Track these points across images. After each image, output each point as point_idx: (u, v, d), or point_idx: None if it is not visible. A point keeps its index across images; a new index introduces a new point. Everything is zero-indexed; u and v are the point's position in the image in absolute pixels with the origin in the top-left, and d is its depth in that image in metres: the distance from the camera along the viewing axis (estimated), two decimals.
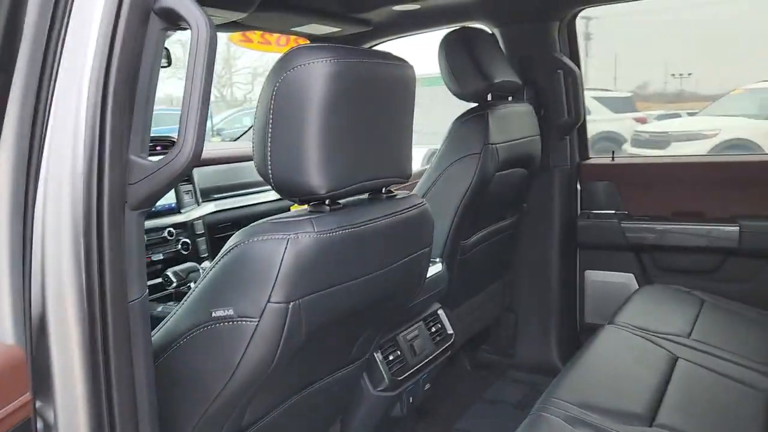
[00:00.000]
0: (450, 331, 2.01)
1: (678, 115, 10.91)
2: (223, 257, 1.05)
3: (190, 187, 2.20)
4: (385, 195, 1.28)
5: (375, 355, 1.67)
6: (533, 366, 2.58)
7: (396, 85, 1.21)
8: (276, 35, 2.76)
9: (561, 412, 1.34)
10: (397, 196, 1.31)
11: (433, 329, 1.95)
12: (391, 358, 1.73)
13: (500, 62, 2.13)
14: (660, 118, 10.65)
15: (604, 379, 1.52)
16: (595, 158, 2.61)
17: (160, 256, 1.99)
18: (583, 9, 2.39)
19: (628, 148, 9.28)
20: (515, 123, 2.17)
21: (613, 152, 2.56)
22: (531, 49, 2.43)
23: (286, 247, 1.01)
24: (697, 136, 8.56)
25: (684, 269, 2.35)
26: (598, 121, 10.04)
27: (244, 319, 1.02)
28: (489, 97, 2.11)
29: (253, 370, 1.04)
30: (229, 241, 1.07)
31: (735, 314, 2.01)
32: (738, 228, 2.21)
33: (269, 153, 1.06)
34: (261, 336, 1.02)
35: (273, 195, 2.71)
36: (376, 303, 1.29)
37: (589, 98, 10.23)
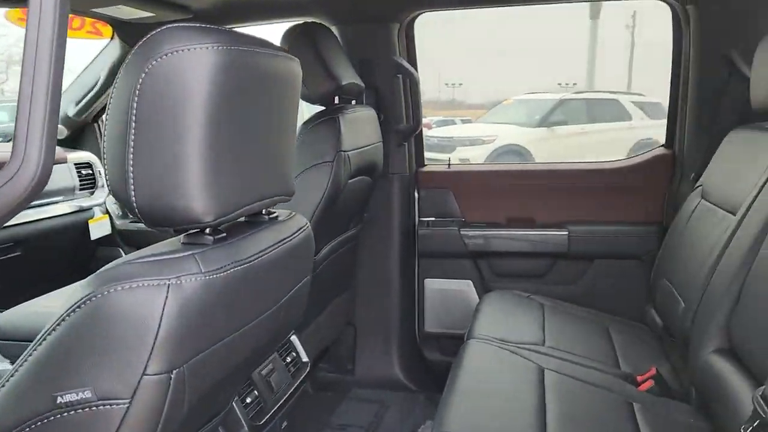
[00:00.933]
0: (305, 358, 1.81)
1: (453, 122, 11.82)
2: (68, 316, 0.74)
3: None
4: (267, 217, 1.05)
5: (233, 402, 1.41)
6: (376, 381, 2.48)
7: (284, 82, 1.00)
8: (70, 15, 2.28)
9: None
10: (280, 218, 1.09)
11: (288, 359, 1.73)
12: (248, 400, 1.47)
13: (345, 63, 1.98)
14: (439, 123, 11.43)
15: (487, 402, 1.45)
16: (432, 165, 2.59)
17: None
18: (423, 12, 2.34)
19: None
20: (363, 129, 2.04)
21: (449, 159, 2.56)
22: (370, 51, 2.32)
23: (166, 297, 0.75)
24: (477, 141, 9.31)
25: (519, 274, 2.42)
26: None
27: (108, 402, 0.73)
28: (336, 100, 1.95)
29: None
30: (74, 291, 0.76)
31: (571, 316, 2.10)
32: (567, 233, 2.33)
33: (130, 170, 0.78)
34: (134, 421, 0.73)
35: (66, 207, 2.25)
36: (265, 346, 1.06)
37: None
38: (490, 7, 2.36)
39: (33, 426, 0.73)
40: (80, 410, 0.72)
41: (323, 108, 1.93)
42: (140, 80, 0.77)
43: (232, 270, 0.84)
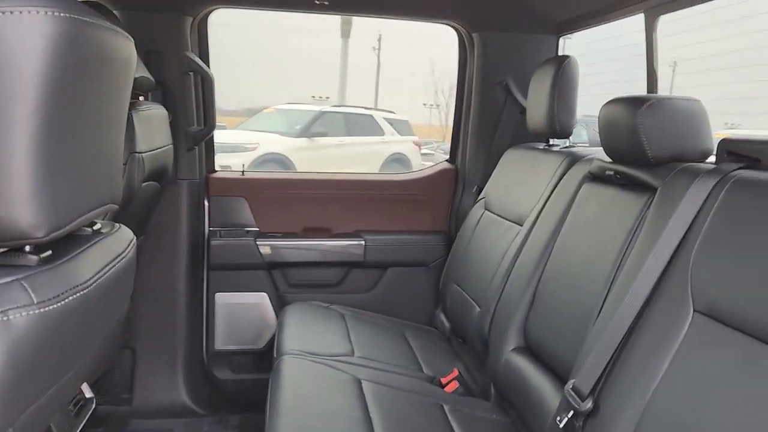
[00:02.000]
0: (89, 394, 1.54)
1: None
2: None
3: None
4: (91, 229, 0.86)
5: None
6: (159, 408, 2.23)
7: (121, 65, 0.83)
8: None
9: None
10: (103, 230, 0.90)
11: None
12: None
13: None
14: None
15: (315, 421, 1.39)
16: (224, 172, 2.44)
17: None
18: (217, 9, 2.18)
19: None
20: (156, 129, 1.83)
21: (243, 166, 2.43)
22: (159, 43, 2.09)
23: None
24: (239, 148, 9.11)
25: (315, 284, 2.39)
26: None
27: None
28: None
29: None
30: None
31: (371, 324, 2.14)
32: (363, 242, 2.37)
33: None
34: None
35: None
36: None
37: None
38: (284, 10, 2.31)
39: None
40: None
41: None
42: None
43: (70, 298, 0.66)
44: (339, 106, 11.76)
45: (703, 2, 1.63)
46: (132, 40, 0.86)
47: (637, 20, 1.87)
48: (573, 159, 1.78)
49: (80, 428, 1.43)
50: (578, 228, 1.58)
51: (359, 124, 10.44)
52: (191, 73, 2.15)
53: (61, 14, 0.63)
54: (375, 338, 2.01)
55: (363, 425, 1.40)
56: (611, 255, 1.38)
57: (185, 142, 2.19)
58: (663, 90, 1.89)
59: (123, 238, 0.91)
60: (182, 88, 2.14)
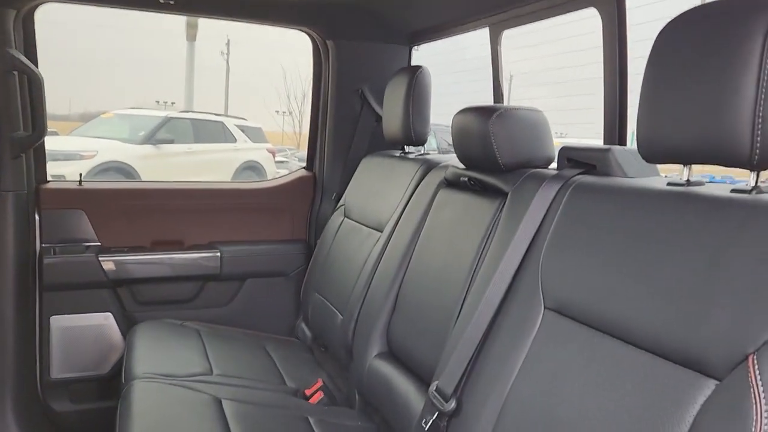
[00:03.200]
0: None
1: None
2: None
3: None
4: None
5: None
6: None
7: None
8: None
9: None
10: None
11: None
12: None
13: None
14: None
15: None
16: (58, 182, 2.21)
17: None
18: (45, 3, 1.98)
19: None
20: None
21: (80, 175, 2.22)
22: None
23: None
24: (74, 156, 8.40)
25: (166, 301, 2.24)
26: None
27: None
28: None
29: None
30: None
31: (229, 339, 2.05)
32: (219, 254, 2.26)
33: None
34: None
35: None
36: None
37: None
38: (122, 8, 2.14)
39: None
40: None
41: None
42: None
43: None
44: (187, 111, 11.26)
45: (541, 20, 1.76)
46: None
47: (483, 34, 1.98)
48: (429, 166, 1.83)
49: None
50: (436, 232, 1.62)
51: (209, 131, 10.07)
52: (15, 73, 1.93)
53: None
54: (234, 354, 1.93)
55: None
56: (468, 258, 1.43)
57: (10, 150, 1.96)
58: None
59: None
60: (5, 88, 1.91)
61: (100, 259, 2.11)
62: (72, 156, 8.45)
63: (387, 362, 1.61)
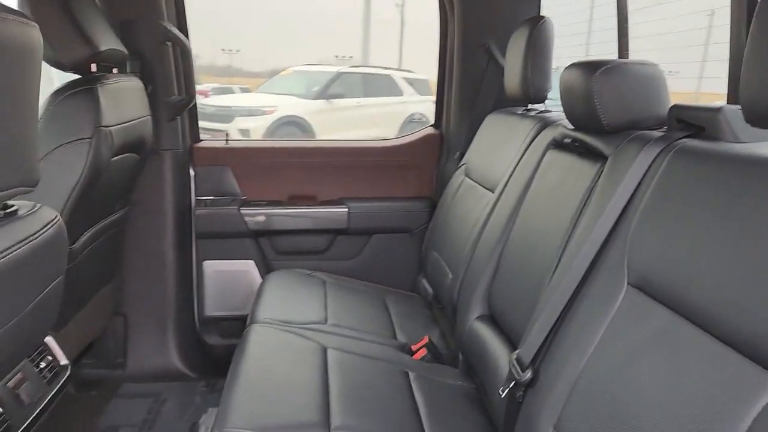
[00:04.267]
0: (64, 361, 1.61)
1: (231, 90, 11.44)
2: None
3: None
4: (4, 212, 0.88)
5: None
6: (151, 372, 2.31)
7: (18, 52, 0.83)
8: None
9: None
10: (20, 213, 0.92)
11: (42, 364, 1.52)
12: None
13: (103, 25, 1.76)
14: (215, 91, 10.98)
15: (271, 390, 1.42)
16: (209, 141, 2.45)
17: None
18: None
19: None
20: (127, 101, 1.84)
21: (227, 134, 2.44)
22: (133, 13, 2.09)
23: None
24: (257, 111, 9.12)
25: (301, 251, 2.42)
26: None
27: None
28: (93, 68, 1.73)
29: None
30: None
31: (353, 291, 2.16)
32: (347, 209, 2.37)
33: None
34: None
35: None
36: (10, 357, 0.89)
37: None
38: None
39: None
40: None
41: (78, 77, 1.69)
42: None
43: None
44: (357, 66, 11.62)
45: None
46: (33, 25, 0.86)
47: None
48: (544, 124, 1.74)
49: (54, 392, 1.50)
50: (540, 196, 1.56)
51: (378, 85, 10.32)
52: (168, 44, 2.15)
53: None
54: (352, 305, 2.03)
55: (319, 391, 1.43)
56: (563, 225, 1.36)
57: (166, 113, 2.21)
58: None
59: (38, 220, 0.93)
60: (160, 58, 2.14)
61: (242, 211, 2.33)
62: (255, 112, 9.20)
63: (486, 325, 1.61)
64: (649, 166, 1.12)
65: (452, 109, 2.38)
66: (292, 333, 1.71)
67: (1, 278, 0.82)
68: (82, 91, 1.61)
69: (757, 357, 0.75)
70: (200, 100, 9.98)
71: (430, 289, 2.24)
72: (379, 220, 2.41)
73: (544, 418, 1.13)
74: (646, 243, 1.04)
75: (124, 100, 1.80)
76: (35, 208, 0.96)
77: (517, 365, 1.24)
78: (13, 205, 0.91)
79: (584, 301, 1.15)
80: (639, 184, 1.13)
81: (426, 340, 1.81)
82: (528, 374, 1.19)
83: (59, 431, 1.94)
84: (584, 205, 1.32)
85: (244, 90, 11.54)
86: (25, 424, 1.36)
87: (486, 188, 1.91)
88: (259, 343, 1.63)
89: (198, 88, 8.73)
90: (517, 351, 1.26)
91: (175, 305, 2.34)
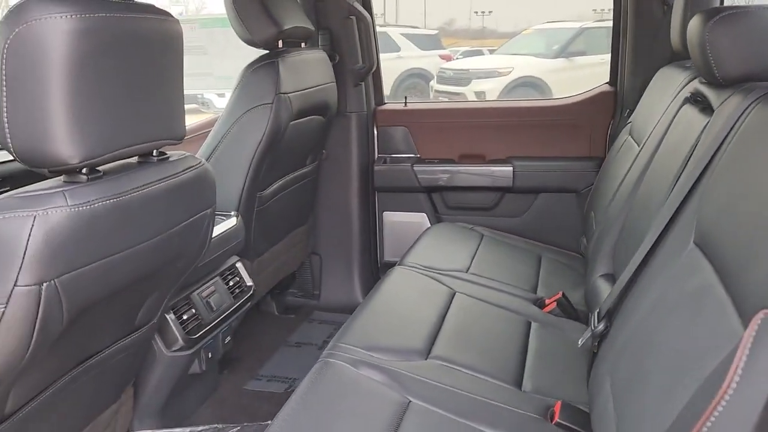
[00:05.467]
0: (249, 282, 2.01)
1: (481, 52, 11.57)
2: None
3: None
4: (156, 158, 1.22)
5: (167, 316, 1.63)
6: (338, 305, 2.69)
7: (158, 41, 1.14)
8: None
9: (347, 357, 1.41)
10: (171, 158, 1.25)
11: (231, 283, 1.94)
12: (185, 317, 1.69)
13: (291, 7, 2.08)
14: (466, 54, 11.22)
15: (388, 320, 1.63)
16: (390, 104, 2.71)
17: None
18: None
19: (434, 85, 9.71)
20: (309, 71, 2.16)
21: (405, 98, 2.67)
22: None
23: (32, 225, 0.93)
24: (493, 73, 9.18)
25: (469, 207, 2.56)
26: (407, 58, 10.41)
27: None
28: (280, 44, 2.07)
29: (2, 364, 0.96)
30: None
31: (509, 246, 2.25)
32: (512, 168, 2.44)
33: (5, 118, 0.95)
34: (9, 324, 0.93)
35: None
36: (154, 270, 1.24)
37: (398, 35, 10.59)
38: None
39: None
40: None
41: (267, 51, 2.05)
42: (6, 45, 0.93)
43: (100, 204, 1.01)
44: (602, 21, 10.90)
45: None
46: (173, 20, 1.16)
47: None
48: (692, 77, 1.62)
49: (236, 306, 1.90)
50: (667, 152, 1.49)
51: None
52: (353, 17, 2.43)
53: (79, 15, 0.95)
54: (501, 258, 2.13)
55: (430, 328, 1.59)
56: (667, 181, 1.31)
57: (351, 80, 2.51)
58: None
59: (181, 165, 1.24)
60: (345, 31, 2.43)
61: (416, 168, 2.55)
62: (491, 74, 9.29)
63: (606, 283, 1.60)
64: (736, 120, 1.06)
65: (626, 65, 2.27)
66: (429, 277, 1.89)
67: (155, 200, 1.15)
68: (266, 64, 1.96)
69: None
70: (440, 64, 10.36)
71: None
72: (546, 180, 2.43)
73: (604, 369, 1.16)
74: (714, 200, 1.01)
75: (304, 70, 2.12)
76: (183, 156, 1.29)
77: (596, 318, 1.26)
78: (167, 154, 1.25)
79: (656, 258, 1.14)
80: (725, 136, 1.07)
81: (559, 294, 1.85)
82: (601, 326, 1.22)
83: (260, 340, 2.42)
84: (686, 161, 1.27)
85: (492, 51, 11.62)
86: (212, 324, 1.78)
87: (636, 144, 1.84)
88: (394, 282, 1.85)
89: (442, 52, 8.94)
90: (600, 304, 1.29)
91: (360, 249, 2.68)
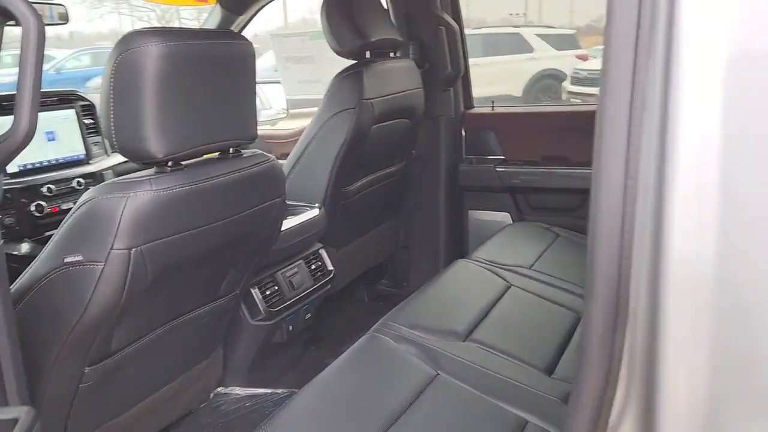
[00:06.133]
0: (330, 267, 2.26)
1: None
2: (76, 211, 1.26)
3: (98, 138, 2.31)
4: (231, 155, 1.49)
5: (252, 290, 1.91)
6: None
7: (233, 60, 1.40)
8: None
9: (391, 333, 1.60)
10: (244, 155, 1.52)
11: (313, 266, 2.19)
12: (267, 293, 1.97)
13: (380, 20, 2.29)
14: (596, 53, 10.83)
15: (437, 304, 1.79)
16: (478, 108, 2.84)
17: (71, 204, 2.14)
18: None
19: (567, 86, 9.51)
20: (393, 78, 2.36)
21: (492, 102, 2.78)
22: (413, 7, 2.60)
23: (125, 204, 1.22)
24: None
25: (551, 208, 2.63)
26: (540, 59, 10.29)
27: (91, 263, 1.23)
28: (368, 55, 2.29)
29: (103, 307, 1.26)
30: (82, 197, 1.27)
31: (582, 247, 2.28)
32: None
33: (112, 121, 1.25)
34: (107, 277, 1.24)
35: None
36: (225, 247, 1.51)
37: (532, 36, 10.50)
38: None
39: (53, 275, 1.26)
40: (76, 267, 1.24)
41: (355, 62, 2.28)
42: (114, 66, 1.23)
43: (178, 189, 1.29)
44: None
45: None
46: (246, 42, 1.42)
47: None
48: None
49: (316, 287, 2.16)
50: None
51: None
52: (442, 28, 2.60)
53: (165, 44, 1.24)
54: (570, 258, 2.19)
55: (476, 314, 1.73)
56: None
57: (440, 85, 2.68)
58: None
59: (250, 161, 1.50)
60: (434, 39, 2.61)
61: (498, 169, 2.66)
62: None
63: None
64: None
65: None
66: (488, 270, 2.02)
67: (226, 188, 1.42)
68: (352, 73, 2.19)
69: None
70: (575, 65, 10.11)
71: None
72: None
73: None
74: None
75: (389, 78, 2.33)
76: (254, 153, 1.55)
77: None
78: (242, 151, 1.51)
79: None
80: None
81: None
82: None
83: (347, 323, 2.67)
84: None
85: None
86: (291, 300, 2.04)
87: None
88: (454, 272, 2.00)
89: (578, 52, 8.81)
90: None
91: (446, 245, 2.84)
